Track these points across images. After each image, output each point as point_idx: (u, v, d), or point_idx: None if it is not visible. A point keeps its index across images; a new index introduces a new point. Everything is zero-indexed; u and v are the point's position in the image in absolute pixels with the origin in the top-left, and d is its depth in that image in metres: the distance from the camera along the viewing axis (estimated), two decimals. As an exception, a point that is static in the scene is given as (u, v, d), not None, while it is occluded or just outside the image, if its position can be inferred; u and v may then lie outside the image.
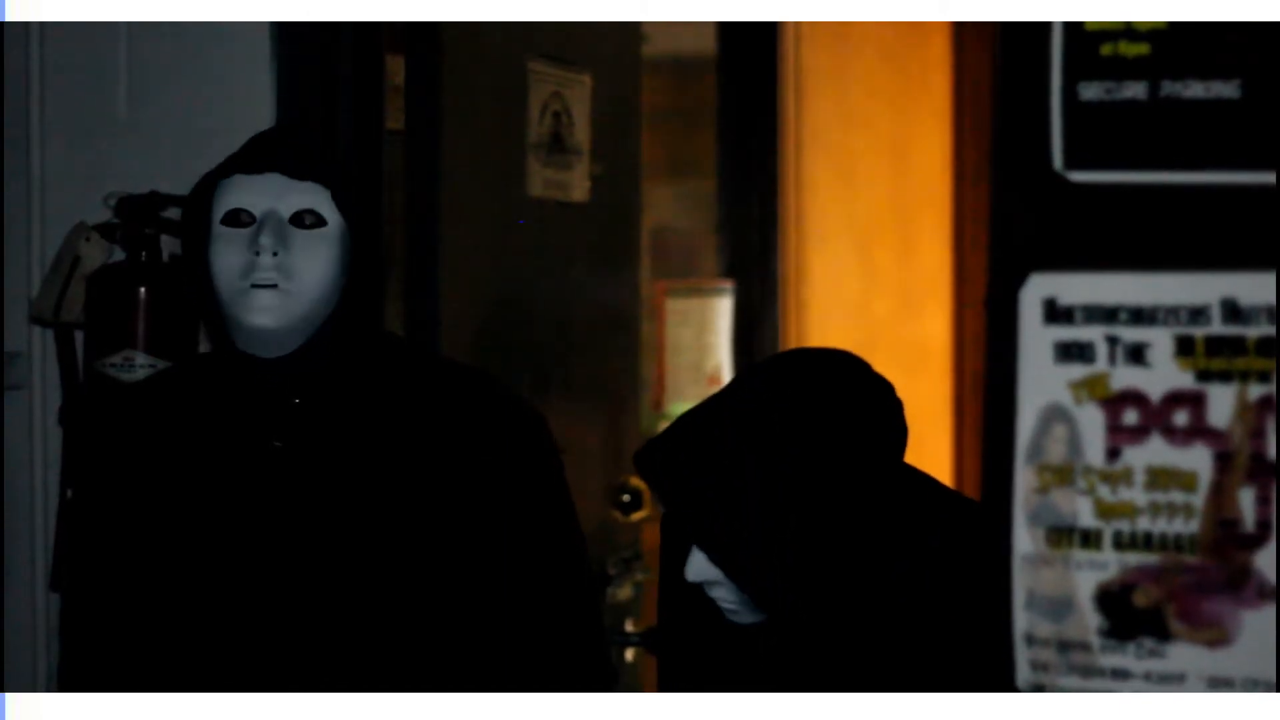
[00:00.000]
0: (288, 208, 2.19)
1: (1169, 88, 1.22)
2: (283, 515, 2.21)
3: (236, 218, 2.19)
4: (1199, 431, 1.21)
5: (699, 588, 2.04)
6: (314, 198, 2.20)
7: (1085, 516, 1.24)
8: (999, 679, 1.27)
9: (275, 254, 2.16)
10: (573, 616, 2.30)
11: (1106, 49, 1.23)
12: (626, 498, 3.65)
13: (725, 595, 2.02)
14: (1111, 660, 1.23)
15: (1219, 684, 1.21)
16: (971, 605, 1.90)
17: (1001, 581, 1.26)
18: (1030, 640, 1.25)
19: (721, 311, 4.66)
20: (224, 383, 2.26)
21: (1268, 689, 1.20)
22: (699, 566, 2.01)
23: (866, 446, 1.97)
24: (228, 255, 2.18)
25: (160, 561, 2.24)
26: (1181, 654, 1.22)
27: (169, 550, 2.24)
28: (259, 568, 2.21)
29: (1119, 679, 1.23)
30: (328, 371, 2.22)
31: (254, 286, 2.16)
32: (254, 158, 2.21)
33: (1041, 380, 1.25)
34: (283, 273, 2.17)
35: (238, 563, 2.22)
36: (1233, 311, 1.20)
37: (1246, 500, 1.20)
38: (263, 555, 2.21)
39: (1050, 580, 1.25)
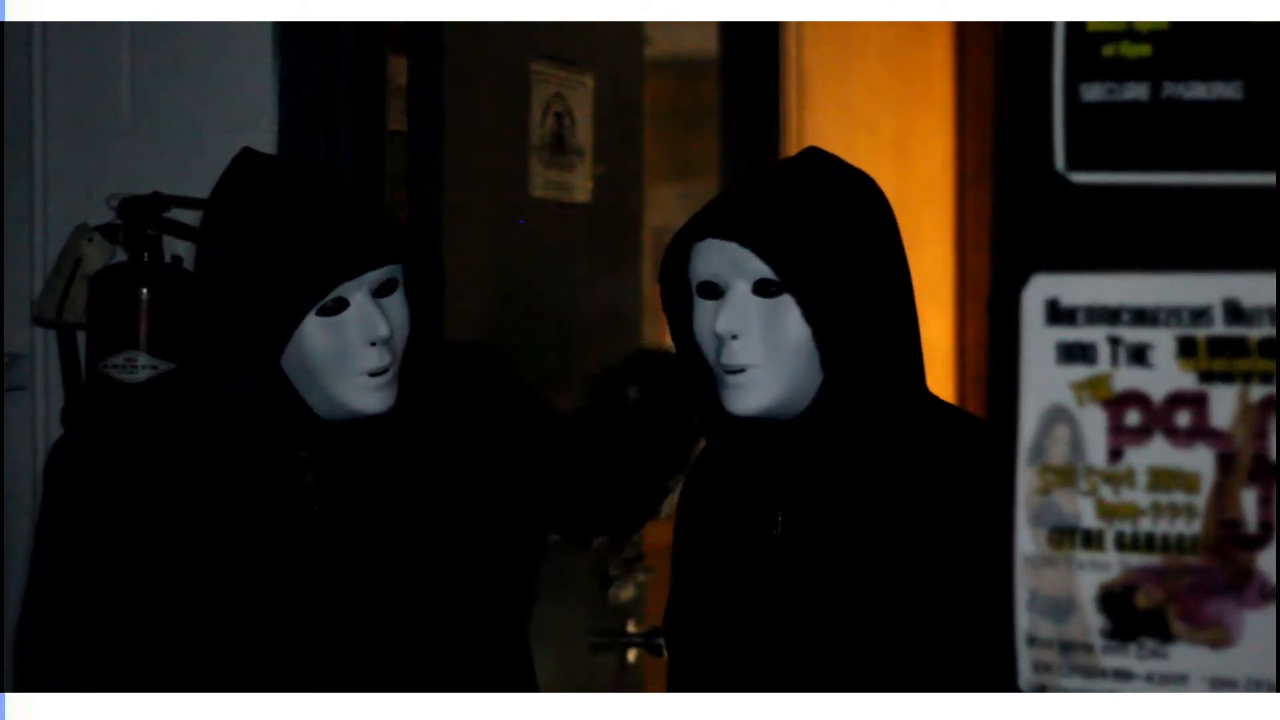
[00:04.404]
0: (375, 281, 2.11)
1: (1171, 89, 1.22)
2: (308, 524, 2.18)
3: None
4: (1201, 432, 1.21)
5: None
6: (391, 270, 2.13)
7: (1087, 517, 1.24)
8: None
9: (388, 339, 2.11)
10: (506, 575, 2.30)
11: (1108, 50, 1.23)
12: (628, 498, 3.64)
13: (754, 352, 1.99)
14: (1113, 661, 1.23)
15: (1221, 685, 1.21)
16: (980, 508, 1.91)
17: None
18: (1032, 641, 1.25)
19: (723, 312, 4.64)
20: (247, 405, 2.16)
21: (1270, 689, 1.20)
22: (736, 313, 2.01)
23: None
24: (325, 343, 2.09)
25: (183, 588, 2.16)
26: (1184, 655, 1.22)
27: (192, 578, 2.15)
28: (288, 593, 2.18)
29: (1121, 680, 1.23)
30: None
31: (372, 375, 2.10)
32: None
33: (1043, 381, 1.25)
34: (393, 355, 2.13)
35: (265, 589, 2.17)
36: (1235, 312, 1.20)
37: (1248, 501, 1.20)
38: (292, 581, 2.18)
39: (1052, 581, 1.25)
